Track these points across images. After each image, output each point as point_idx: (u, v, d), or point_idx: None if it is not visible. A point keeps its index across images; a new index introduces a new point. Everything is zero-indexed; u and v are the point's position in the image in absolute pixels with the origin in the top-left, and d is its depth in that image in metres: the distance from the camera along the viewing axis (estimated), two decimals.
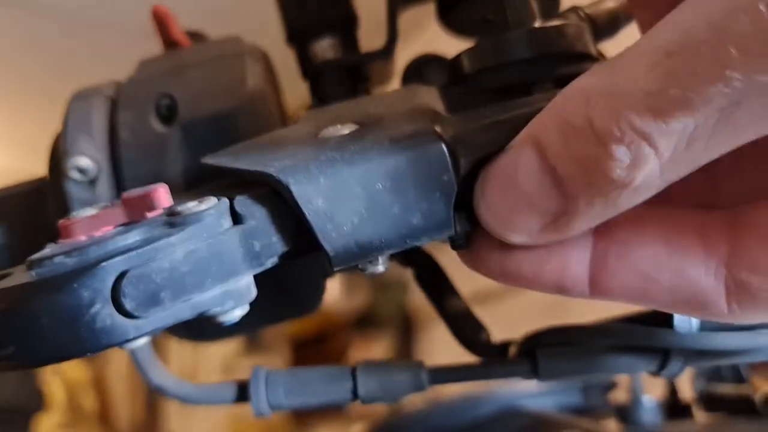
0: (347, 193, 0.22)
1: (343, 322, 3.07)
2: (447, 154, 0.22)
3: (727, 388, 0.46)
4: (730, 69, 0.16)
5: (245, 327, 0.34)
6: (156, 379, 0.31)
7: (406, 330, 2.62)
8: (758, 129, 0.17)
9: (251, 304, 0.24)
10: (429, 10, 0.37)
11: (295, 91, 0.40)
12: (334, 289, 3.16)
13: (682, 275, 0.20)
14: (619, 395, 0.53)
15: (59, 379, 3.86)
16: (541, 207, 0.20)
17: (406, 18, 0.39)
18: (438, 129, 0.23)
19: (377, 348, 2.71)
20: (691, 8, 0.17)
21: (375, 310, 2.91)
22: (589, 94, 0.18)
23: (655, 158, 0.18)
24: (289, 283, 0.32)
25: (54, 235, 0.25)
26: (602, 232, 0.22)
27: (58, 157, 0.32)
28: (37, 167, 0.37)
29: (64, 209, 0.31)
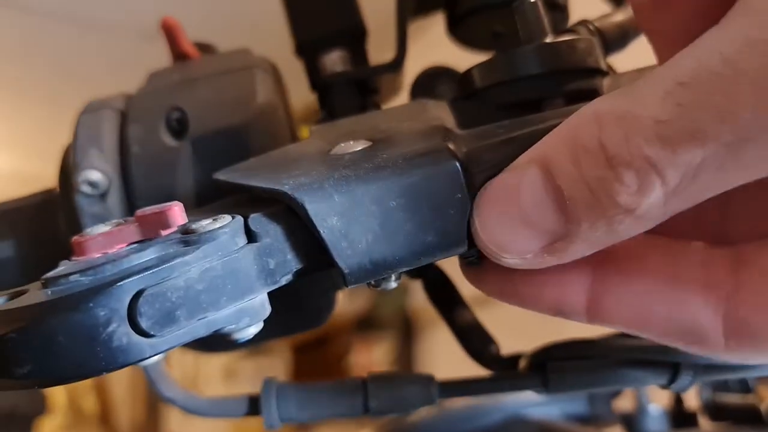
0: (362, 211, 0.22)
1: (344, 325, 3.07)
2: (461, 172, 0.22)
3: (733, 398, 0.47)
4: (740, 105, 0.16)
5: (255, 339, 0.34)
6: (167, 392, 0.31)
7: (407, 333, 2.62)
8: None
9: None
10: (441, 34, 0.37)
11: (300, 95, 0.40)
12: None
13: (681, 308, 0.20)
14: (625, 404, 0.53)
15: None
16: (540, 228, 0.20)
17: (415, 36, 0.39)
18: (451, 146, 0.23)
19: (378, 351, 2.71)
20: (709, 41, 0.17)
21: (376, 314, 2.91)
22: (603, 118, 0.18)
23: (661, 187, 0.18)
24: (300, 297, 0.33)
25: (63, 248, 0.25)
26: (603, 259, 0.22)
27: (68, 170, 0.32)
28: (37, 168, 0.37)
29: (75, 223, 0.31)
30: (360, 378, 0.31)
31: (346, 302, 3.03)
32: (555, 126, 0.23)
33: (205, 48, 0.38)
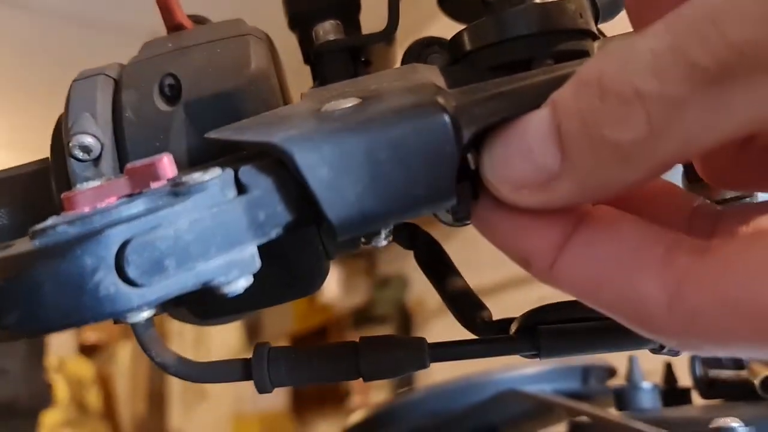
0: (351, 163, 0.22)
1: (343, 319, 3.07)
2: (449, 125, 0.22)
3: (726, 374, 0.47)
4: (729, 36, 0.16)
5: (246, 306, 0.34)
6: (158, 357, 0.31)
7: (405, 327, 2.63)
8: (756, 114, 0.17)
9: (253, 283, 0.24)
10: (432, 5, 0.38)
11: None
12: (333, 286, 3.16)
13: (633, 282, 0.20)
14: (618, 381, 0.54)
15: (63, 377, 3.87)
16: (539, 162, 0.21)
17: (411, 17, 0.39)
18: (440, 100, 0.23)
19: None
20: None
21: (374, 307, 2.92)
22: (609, 52, 0.19)
23: (646, 123, 0.18)
24: (290, 263, 0.33)
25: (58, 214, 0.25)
26: (578, 221, 0.22)
27: (60, 136, 0.32)
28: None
29: (68, 189, 0.32)
30: (352, 342, 0.31)
31: (345, 296, 3.03)
32: (544, 81, 0.23)
33: (200, 21, 0.38)
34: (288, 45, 0.38)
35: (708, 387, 0.47)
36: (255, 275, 0.24)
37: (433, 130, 0.22)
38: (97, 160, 0.31)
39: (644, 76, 0.17)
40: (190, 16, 0.38)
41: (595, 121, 0.19)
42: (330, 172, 0.22)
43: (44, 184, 0.35)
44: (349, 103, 0.25)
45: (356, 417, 0.56)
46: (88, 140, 0.31)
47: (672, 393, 0.52)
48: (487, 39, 0.28)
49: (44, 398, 1.94)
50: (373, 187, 0.23)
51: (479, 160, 0.23)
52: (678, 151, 0.18)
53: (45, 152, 0.35)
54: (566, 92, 0.20)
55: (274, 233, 0.23)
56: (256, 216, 0.23)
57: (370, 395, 2.87)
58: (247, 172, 0.23)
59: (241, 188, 0.23)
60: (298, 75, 0.40)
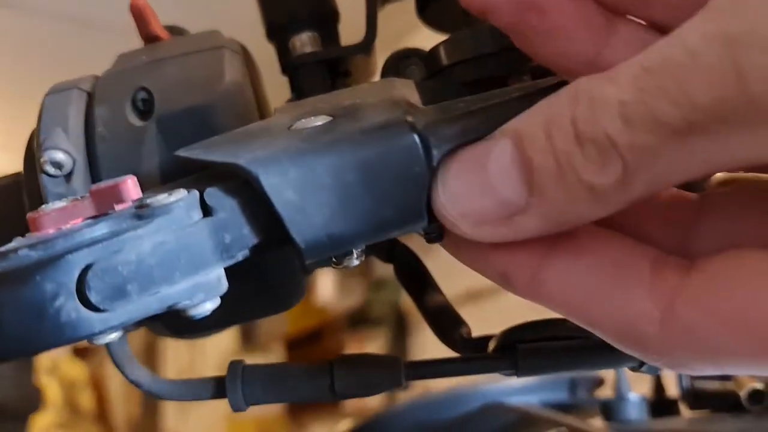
0: (318, 185, 0.22)
1: (338, 321, 3.07)
2: (419, 145, 0.22)
3: (712, 385, 0.46)
4: (694, 94, 0.16)
5: (221, 322, 0.34)
6: (132, 374, 0.31)
7: (400, 329, 2.63)
8: (724, 161, 0.18)
9: (229, 299, 0.23)
10: (413, 17, 0.37)
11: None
12: (328, 289, 3.16)
13: (622, 299, 0.20)
14: (605, 392, 0.53)
15: (56, 379, 3.86)
16: (502, 197, 0.20)
17: (392, 25, 0.38)
18: (410, 119, 0.23)
19: (371, 346, 2.71)
20: (679, 31, 0.17)
21: (369, 309, 2.91)
22: (579, 96, 0.19)
23: (621, 168, 0.18)
24: (267, 278, 0.32)
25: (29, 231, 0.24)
26: (558, 237, 0.21)
27: (33, 151, 0.32)
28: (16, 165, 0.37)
29: (40, 204, 0.31)
30: (327, 360, 0.31)
31: (340, 298, 3.03)
32: (516, 98, 0.23)
33: (176, 31, 0.37)
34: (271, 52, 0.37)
35: (695, 399, 0.47)
36: (230, 291, 0.23)
37: (402, 150, 0.22)
38: (69, 176, 0.31)
39: (616, 125, 0.18)
40: (166, 27, 0.37)
41: (571, 163, 0.19)
42: (296, 194, 0.22)
43: (17, 199, 0.34)
44: (320, 120, 0.25)
45: (343, 427, 0.56)
46: (60, 156, 0.30)
47: (660, 404, 0.51)
48: (463, 54, 0.27)
49: (34, 402, 1.93)
50: (341, 209, 0.22)
51: (431, 189, 0.22)
52: (648, 190, 0.19)
53: None
54: (534, 127, 0.20)
55: (240, 255, 0.23)
56: (222, 238, 0.22)
57: (366, 399, 2.87)
58: (212, 194, 0.22)
59: (206, 210, 0.22)
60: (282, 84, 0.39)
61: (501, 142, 0.20)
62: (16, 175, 0.35)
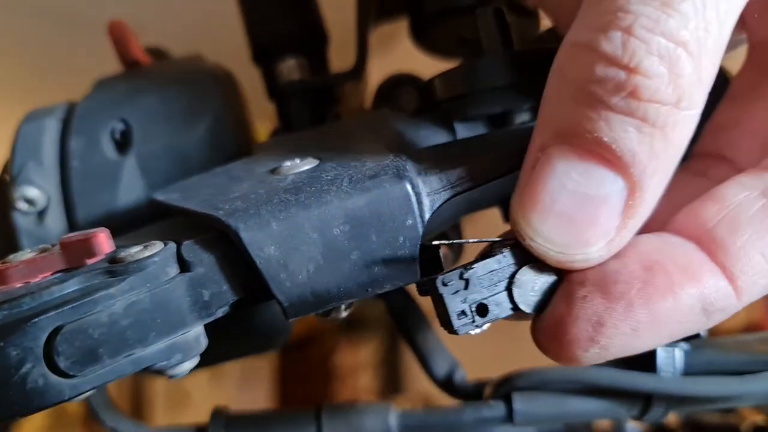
0: (302, 239, 0.20)
1: (330, 325, 3.05)
2: (412, 196, 0.21)
3: (713, 417, 0.45)
4: None
5: (204, 362, 0.32)
6: (110, 422, 0.29)
7: (393, 334, 2.61)
8: None
9: (212, 341, 0.22)
10: (402, 24, 0.36)
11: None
12: None
13: None
14: (603, 422, 0.52)
15: None
16: (606, 191, 0.18)
17: (379, 32, 0.37)
18: (401, 167, 0.21)
19: (364, 351, 2.69)
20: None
21: (362, 313, 2.89)
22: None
23: (688, 58, 0.17)
24: (253, 319, 0.31)
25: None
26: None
27: (4, 185, 0.30)
28: None
29: (11, 240, 0.29)
30: (314, 407, 0.29)
31: None
32: (517, 146, 0.21)
33: (157, 54, 0.36)
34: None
35: (696, 430, 0.46)
36: (214, 334, 0.22)
37: (392, 201, 0.20)
38: (42, 213, 0.29)
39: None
40: (147, 50, 0.36)
41: (633, 87, 0.17)
42: (279, 250, 0.20)
43: None
44: (306, 165, 0.23)
45: None
46: (33, 192, 0.29)
47: None
48: (457, 90, 0.26)
49: None
50: (327, 264, 0.21)
51: (521, 236, 0.19)
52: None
53: None
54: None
55: (220, 312, 0.21)
56: (200, 295, 0.21)
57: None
58: (190, 248, 0.21)
59: (183, 265, 0.21)
60: None
61: (555, 153, 0.19)
62: None
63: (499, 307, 0.20)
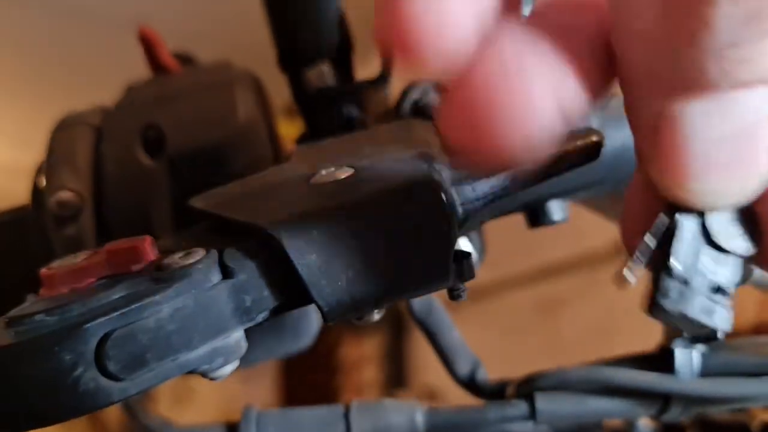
0: (342, 247, 0.21)
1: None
2: (446, 203, 0.21)
3: (723, 415, 0.46)
4: None
5: (241, 365, 0.33)
6: (143, 419, 0.30)
7: (397, 327, 2.62)
8: None
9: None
10: None
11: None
12: None
13: None
14: (614, 420, 0.53)
15: None
16: (757, 113, 0.16)
17: None
18: (435, 176, 0.22)
19: (368, 344, 2.70)
20: None
21: None
22: None
23: None
24: (284, 320, 0.32)
25: (34, 266, 0.24)
26: None
27: (40, 189, 0.31)
28: (28, 160, 0.36)
29: (46, 242, 0.30)
30: (343, 405, 0.30)
31: None
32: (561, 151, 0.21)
33: (184, 59, 0.37)
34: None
35: (706, 428, 0.46)
36: (249, 337, 0.23)
37: (427, 209, 0.21)
38: (76, 216, 0.30)
39: None
40: (175, 55, 0.37)
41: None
42: (320, 257, 0.21)
43: (21, 234, 0.33)
44: (342, 174, 0.24)
45: None
46: (68, 196, 0.30)
47: None
48: None
49: None
50: (365, 270, 0.21)
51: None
52: None
53: (33, 145, 0.33)
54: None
55: (260, 318, 0.22)
56: (242, 301, 0.22)
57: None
58: (232, 255, 0.22)
59: (226, 271, 0.22)
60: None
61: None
62: (20, 209, 0.35)
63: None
